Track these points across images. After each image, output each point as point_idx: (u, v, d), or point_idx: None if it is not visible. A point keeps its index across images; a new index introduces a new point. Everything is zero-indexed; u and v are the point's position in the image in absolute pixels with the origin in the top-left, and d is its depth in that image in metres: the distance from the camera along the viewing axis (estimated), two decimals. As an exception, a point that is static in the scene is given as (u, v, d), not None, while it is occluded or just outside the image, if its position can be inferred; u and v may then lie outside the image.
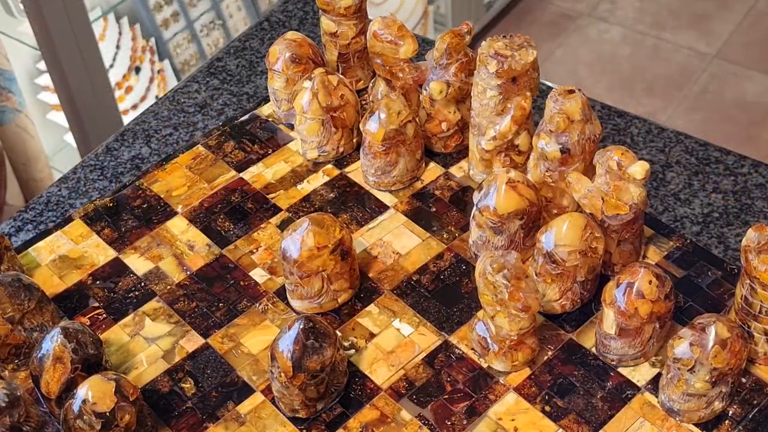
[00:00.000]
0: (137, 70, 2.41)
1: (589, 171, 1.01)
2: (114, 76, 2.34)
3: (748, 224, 1.22)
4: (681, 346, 0.87)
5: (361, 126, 1.08)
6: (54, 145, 2.36)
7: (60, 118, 2.23)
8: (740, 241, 1.09)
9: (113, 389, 0.88)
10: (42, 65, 2.14)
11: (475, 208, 1.00)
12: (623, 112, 1.45)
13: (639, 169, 0.94)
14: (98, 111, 2.14)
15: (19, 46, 2.17)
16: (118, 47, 2.40)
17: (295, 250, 0.97)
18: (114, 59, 2.38)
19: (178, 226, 1.10)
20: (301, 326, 0.90)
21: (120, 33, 2.40)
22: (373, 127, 1.06)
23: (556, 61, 2.82)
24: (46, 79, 2.21)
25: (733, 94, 2.70)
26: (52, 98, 2.25)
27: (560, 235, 0.95)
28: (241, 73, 1.53)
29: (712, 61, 2.82)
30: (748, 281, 0.90)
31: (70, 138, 2.26)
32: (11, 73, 2.21)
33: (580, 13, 3.02)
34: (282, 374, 0.90)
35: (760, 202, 1.24)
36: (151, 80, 2.43)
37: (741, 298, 0.92)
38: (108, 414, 0.87)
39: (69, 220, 1.12)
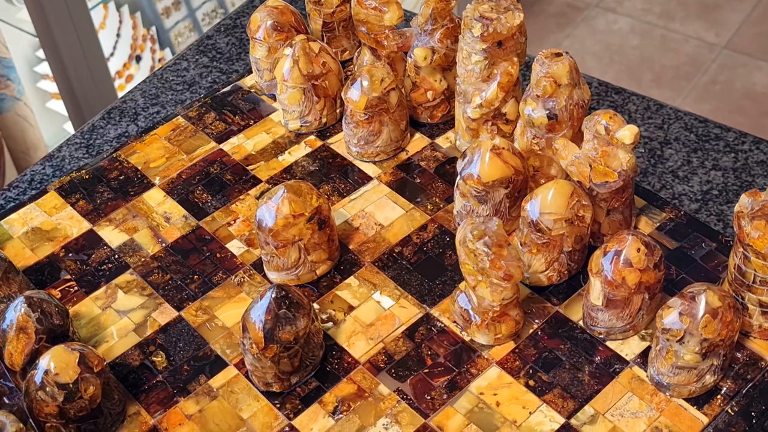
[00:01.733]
0: (138, 59, 2.39)
1: (578, 138, 0.97)
2: (114, 65, 2.32)
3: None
4: (670, 316, 0.83)
5: (342, 94, 1.04)
6: (53, 133, 2.33)
7: (59, 106, 2.21)
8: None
9: (77, 360, 0.84)
10: (41, 53, 2.11)
11: (459, 176, 0.96)
12: (620, 89, 1.41)
13: (628, 133, 0.90)
14: (98, 100, 2.12)
15: (17, 33, 2.14)
16: (118, 36, 2.38)
17: (270, 219, 0.93)
18: (114, 48, 2.35)
19: (154, 197, 1.07)
20: (273, 295, 0.86)
21: (120, 21, 2.37)
22: (354, 95, 1.03)
23: (563, 52, 2.78)
24: (45, 68, 2.18)
25: (743, 85, 2.66)
26: (52, 87, 2.23)
27: (545, 202, 0.91)
28: (231, 51, 1.49)
29: (722, 51, 2.78)
30: (741, 249, 0.86)
31: (69, 127, 2.23)
32: (10, 60, 2.19)
33: (587, 3, 2.98)
34: (254, 345, 0.87)
35: (761, 180, 1.20)
36: (152, 69, 2.40)
37: (734, 268, 0.88)
38: (71, 385, 0.84)
39: (43, 192, 1.08)
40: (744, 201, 0.85)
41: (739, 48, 2.77)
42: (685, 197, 1.25)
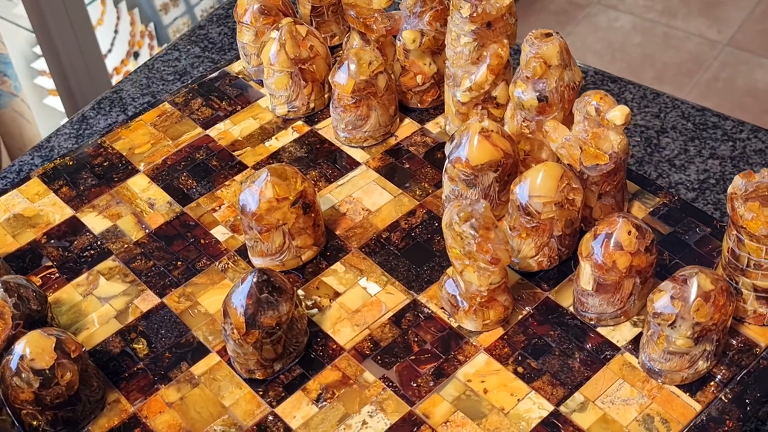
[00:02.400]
0: (136, 55, 2.37)
1: (569, 121, 0.95)
2: (112, 61, 2.30)
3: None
4: (661, 300, 0.81)
5: (330, 77, 1.02)
6: (50, 130, 2.31)
7: (57, 103, 2.19)
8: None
9: (53, 345, 0.82)
10: (39, 49, 2.10)
11: (447, 160, 0.94)
12: (617, 78, 1.39)
13: (618, 113, 0.88)
14: (95, 96, 2.10)
15: (14, 29, 2.13)
16: (116, 32, 2.36)
17: (253, 203, 0.91)
18: (112, 44, 2.34)
19: (139, 184, 1.05)
20: (255, 279, 0.84)
21: (118, 17, 2.36)
22: (342, 79, 1.01)
23: (565, 49, 2.76)
24: (42, 64, 2.17)
25: (745, 82, 2.63)
26: (49, 83, 2.21)
27: (535, 185, 0.88)
28: (223, 41, 1.47)
29: (724, 48, 2.75)
30: (734, 232, 0.84)
31: (67, 123, 2.21)
32: (6, 56, 2.18)
33: (589, 1, 2.96)
34: (235, 331, 0.85)
35: (760, 168, 1.18)
36: (150, 66, 2.38)
37: (728, 252, 0.86)
38: (47, 371, 0.82)
39: (27, 179, 1.06)
40: (738, 182, 0.83)
41: (742, 45, 2.75)
42: (682, 186, 1.23)
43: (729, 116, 1.31)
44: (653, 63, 2.71)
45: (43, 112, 2.29)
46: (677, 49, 2.76)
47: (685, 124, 1.31)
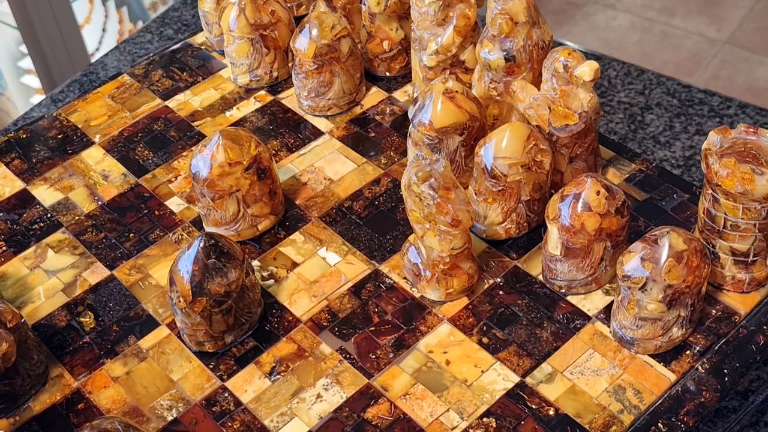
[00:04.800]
0: (124, 54, 2.33)
1: (539, 83, 0.90)
2: (99, 60, 2.26)
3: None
4: (631, 262, 0.76)
5: (291, 44, 0.98)
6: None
7: (43, 101, 2.15)
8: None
9: (-12, 314, 0.78)
10: (25, 48, 2.07)
11: (411, 125, 0.89)
12: (601, 55, 1.35)
13: (587, 69, 0.83)
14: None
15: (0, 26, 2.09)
16: (104, 30, 2.33)
17: (205, 168, 0.86)
18: (100, 42, 2.30)
19: (93, 156, 1.00)
20: (202, 244, 0.79)
21: (106, 16, 2.33)
22: (303, 43, 0.96)
23: (562, 48, 2.72)
24: (29, 63, 2.14)
25: (745, 80, 2.59)
26: (35, 82, 2.18)
27: (500, 146, 0.84)
28: (197, 23, 1.43)
29: (723, 47, 2.71)
30: (710, 191, 0.79)
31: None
32: (-10, 54, 2.14)
33: (587, 0, 2.92)
34: (181, 299, 0.80)
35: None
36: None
37: (704, 213, 0.81)
38: (-19, 341, 0.77)
39: (-22, 152, 1.02)
40: (712, 138, 0.78)
41: (741, 43, 2.70)
42: (667, 163, 1.18)
43: (716, 92, 1.27)
44: (652, 61, 2.67)
45: (30, 111, 2.25)
46: (676, 47, 2.72)
47: (671, 101, 1.26)
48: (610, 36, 2.78)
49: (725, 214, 0.79)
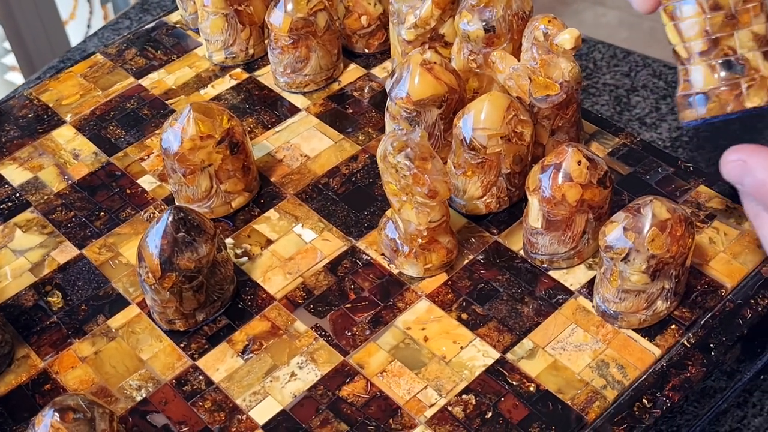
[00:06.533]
0: (109, 50, 2.30)
1: (519, 54, 0.88)
2: (84, 56, 2.24)
3: (720, 148, 1.08)
4: (613, 232, 0.74)
5: (266, 19, 0.95)
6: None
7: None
8: (713, 165, 0.95)
9: (-51, 290, 0.75)
10: (9, 45, 2.04)
11: (389, 98, 0.87)
12: (586, 37, 1.32)
13: (568, 36, 0.81)
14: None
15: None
16: (89, 27, 2.31)
17: (175, 142, 0.84)
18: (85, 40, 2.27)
19: (64, 135, 0.98)
20: (171, 218, 0.77)
21: (91, 12, 2.31)
22: (278, 18, 0.94)
23: (549, 43, 2.70)
24: (12, 59, 2.11)
25: (735, 75, 2.56)
26: (19, 78, 2.16)
27: (479, 117, 0.81)
28: (176, 8, 1.41)
29: (712, 42, 2.68)
30: None
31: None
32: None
33: (575, -4, 2.90)
34: (150, 275, 0.77)
35: (735, 126, 1.11)
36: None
37: (702, 18, 0.74)
38: (-58, 318, 0.74)
39: (-54, 133, 1.00)
40: None
41: (731, 38, 2.68)
42: (653, 144, 1.16)
43: (704, 73, 1.24)
44: (641, 58, 2.65)
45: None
46: (665, 44, 2.69)
47: (657, 83, 1.24)
48: (599, 33, 2.76)
49: None
